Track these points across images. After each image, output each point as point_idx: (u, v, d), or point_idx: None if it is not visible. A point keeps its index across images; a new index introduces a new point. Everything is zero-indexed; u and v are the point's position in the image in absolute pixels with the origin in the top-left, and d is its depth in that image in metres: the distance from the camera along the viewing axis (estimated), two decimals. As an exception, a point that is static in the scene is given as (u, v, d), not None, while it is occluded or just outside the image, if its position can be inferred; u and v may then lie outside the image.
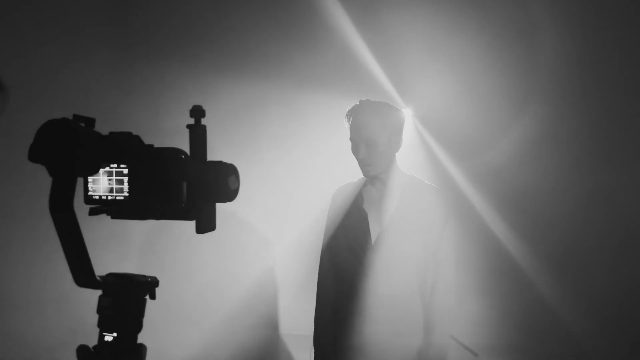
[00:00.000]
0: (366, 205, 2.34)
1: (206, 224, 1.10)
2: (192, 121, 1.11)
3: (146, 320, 1.10)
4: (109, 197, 1.09)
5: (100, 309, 1.02)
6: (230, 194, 1.08)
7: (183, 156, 1.07)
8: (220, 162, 1.08)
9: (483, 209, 2.78)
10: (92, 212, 1.07)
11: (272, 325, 2.96)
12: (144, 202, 1.09)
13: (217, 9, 2.90)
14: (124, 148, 1.01)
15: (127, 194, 1.08)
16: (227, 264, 2.87)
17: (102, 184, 1.10)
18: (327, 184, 2.48)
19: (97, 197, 1.10)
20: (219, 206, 1.10)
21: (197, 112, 1.10)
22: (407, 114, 2.89)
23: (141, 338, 1.11)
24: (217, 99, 2.87)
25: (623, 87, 2.59)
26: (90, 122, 0.95)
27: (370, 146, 2.24)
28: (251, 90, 2.80)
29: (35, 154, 0.91)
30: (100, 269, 1.11)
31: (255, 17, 2.87)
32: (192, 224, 1.07)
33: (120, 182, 1.09)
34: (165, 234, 2.84)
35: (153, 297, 1.03)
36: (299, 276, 2.90)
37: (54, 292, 2.35)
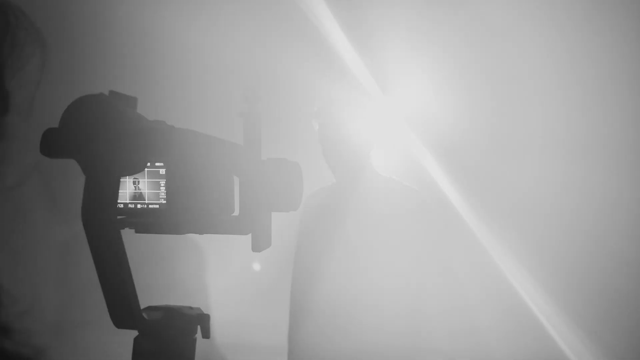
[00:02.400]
0: (341, 211, 2.21)
1: (264, 239, 0.86)
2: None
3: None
4: (139, 206, 0.83)
5: (138, 356, 0.75)
6: (295, 201, 0.85)
7: (238, 148, 0.83)
8: (283, 160, 0.85)
9: (464, 207, 2.71)
10: (119, 225, 0.80)
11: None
12: (184, 212, 0.83)
13: (196, 6, 2.66)
14: (165, 139, 0.76)
15: (163, 202, 0.82)
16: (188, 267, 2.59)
17: (127, 188, 0.83)
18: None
19: (122, 206, 0.83)
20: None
21: (253, 96, 0.86)
22: (391, 111, 2.78)
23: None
24: (187, 97, 2.62)
25: (608, 85, 2.61)
26: (132, 102, 0.69)
27: (341, 145, 2.11)
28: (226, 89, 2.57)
29: (62, 145, 0.64)
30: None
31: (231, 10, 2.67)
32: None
33: (155, 185, 0.83)
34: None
35: (207, 334, 0.78)
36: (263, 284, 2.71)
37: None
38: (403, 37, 2.69)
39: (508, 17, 2.63)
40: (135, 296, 0.70)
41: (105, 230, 0.66)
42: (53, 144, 0.66)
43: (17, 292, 0.41)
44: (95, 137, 0.64)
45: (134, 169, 0.68)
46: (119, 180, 0.67)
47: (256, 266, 2.84)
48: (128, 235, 0.87)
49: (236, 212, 0.87)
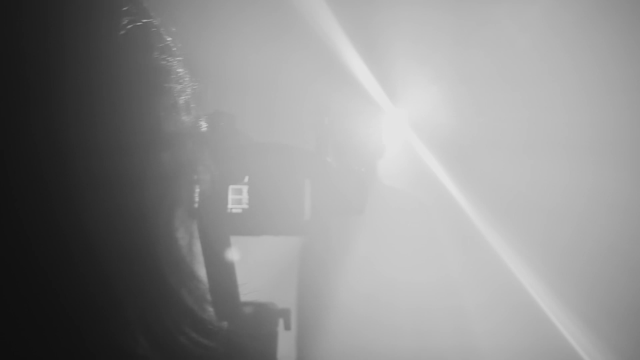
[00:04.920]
0: (347, 222, 2.29)
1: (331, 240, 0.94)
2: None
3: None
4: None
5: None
6: (364, 207, 0.93)
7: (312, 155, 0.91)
8: (351, 168, 0.93)
9: (476, 216, 2.77)
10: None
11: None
12: (264, 215, 0.91)
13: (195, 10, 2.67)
14: (254, 151, 0.84)
15: (246, 206, 0.90)
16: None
17: (211, 194, 0.90)
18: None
19: (208, 210, 0.90)
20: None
21: (324, 109, 0.94)
22: (400, 118, 2.84)
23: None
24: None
25: (615, 85, 2.68)
26: (231, 119, 0.77)
27: (352, 151, 2.21)
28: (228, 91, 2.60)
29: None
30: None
31: (231, 15, 2.68)
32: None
33: (237, 191, 0.90)
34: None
35: (289, 327, 0.86)
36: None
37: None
38: (410, 43, 2.73)
39: (517, 23, 2.69)
40: (239, 294, 0.78)
41: (219, 233, 0.74)
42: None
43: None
44: (215, 149, 0.72)
45: (239, 178, 0.76)
46: (228, 188, 0.74)
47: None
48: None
49: (307, 217, 0.95)
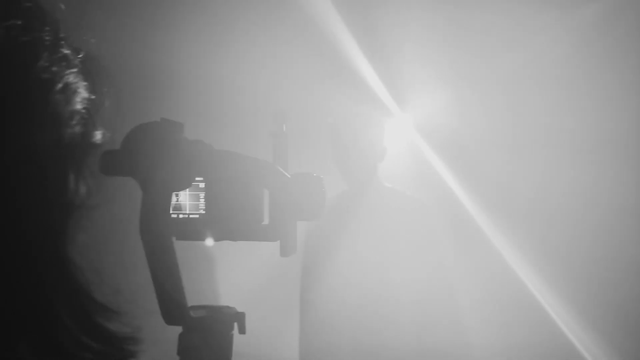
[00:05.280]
0: (346, 221, 2.30)
1: (291, 245, 0.97)
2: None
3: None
4: (180, 216, 0.93)
5: (184, 350, 0.86)
6: (319, 211, 0.95)
7: (269, 164, 0.94)
8: (308, 174, 0.95)
9: (481, 218, 2.77)
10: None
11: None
12: (221, 221, 0.94)
13: (204, 10, 2.74)
14: (206, 157, 0.86)
15: (202, 212, 0.93)
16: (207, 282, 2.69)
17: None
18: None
19: (165, 216, 0.93)
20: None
21: (282, 117, 0.97)
22: (405, 122, 2.86)
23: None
24: (194, 102, 2.71)
25: (619, 87, 2.66)
26: (180, 127, 0.80)
27: (353, 153, 2.22)
28: (234, 94, 2.66)
29: (123, 165, 0.75)
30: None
31: (241, 19, 2.74)
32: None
33: (195, 197, 0.93)
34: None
35: (243, 330, 0.89)
36: (265, 291, 2.79)
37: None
38: (417, 45, 2.75)
39: (523, 26, 2.69)
40: (185, 297, 0.81)
41: (160, 239, 0.77)
42: (113, 164, 0.76)
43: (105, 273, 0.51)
44: (152, 159, 0.75)
45: (183, 185, 0.79)
46: (171, 195, 0.77)
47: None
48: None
49: (266, 222, 0.97)
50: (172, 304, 0.80)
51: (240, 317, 0.92)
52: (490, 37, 2.71)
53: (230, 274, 2.73)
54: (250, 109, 2.76)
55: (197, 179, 0.93)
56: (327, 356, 2.27)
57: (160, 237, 0.76)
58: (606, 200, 2.56)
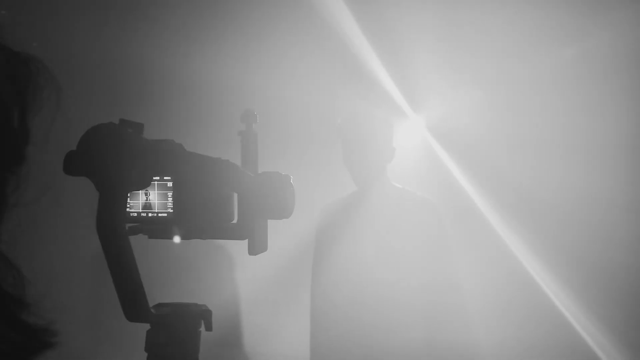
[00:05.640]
0: (358, 221, 2.30)
1: (259, 244, 0.98)
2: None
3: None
4: (150, 214, 0.95)
5: (150, 346, 0.87)
6: (288, 210, 0.96)
7: (238, 166, 0.95)
8: (276, 173, 0.96)
9: (494, 218, 2.75)
10: (131, 232, 0.93)
11: (235, 343, 2.83)
12: (189, 220, 0.95)
13: (216, 9, 2.78)
14: (169, 158, 0.88)
15: (170, 211, 0.95)
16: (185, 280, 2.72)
17: (139, 199, 0.95)
18: (315, 194, 2.40)
19: (135, 214, 0.96)
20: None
21: (249, 117, 0.98)
22: (417, 124, 2.85)
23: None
24: (213, 103, 2.75)
25: (633, 85, 2.61)
26: (139, 127, 0.81)
27: (363, 152, 2.22)
28: (245, 95, 2.68)
29: (79, 166, 0.77)
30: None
31: (254, 19, 2.77)
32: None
33: (163, 196, 0.95)
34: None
35: (210, 327, 0.90)
36: (277, 291, 2.81)
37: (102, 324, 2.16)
38: (429, 47, 2.74)
39: (538, 28, 2.66)
40: (144, 293, 0.82)
41: (117, 238, 0.79)
42: (72, 164, 0.79)
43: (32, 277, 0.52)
44: (105, 159, 0.77)
45: (140, 185, 0.80)
46: (127, 195, 0.79)
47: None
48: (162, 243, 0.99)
49: (235, 221, 0.99)
50: (131, 300, 0.82)
51: (206, 315, 0.93)
52: (505, 39, 2.68)
53: (237, 274, 2.76)
54: (264, 110, 2.78)
55: (165, 178, 0.95)
56: (337, 354, 2.28)
57: (116, 235, 0.78)
58: (622, 201, 2.51)
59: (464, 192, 2.78)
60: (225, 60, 2.61)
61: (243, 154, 0.97)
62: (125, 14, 2.67)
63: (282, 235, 2.73)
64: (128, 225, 0.96)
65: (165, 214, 0.95)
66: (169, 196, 0.95)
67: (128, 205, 0.96)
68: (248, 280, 2.78)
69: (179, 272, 2.68)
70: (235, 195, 0.97)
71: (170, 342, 0.89)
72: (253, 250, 0.96)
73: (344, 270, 2.28)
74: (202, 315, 0.92)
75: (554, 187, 2.64)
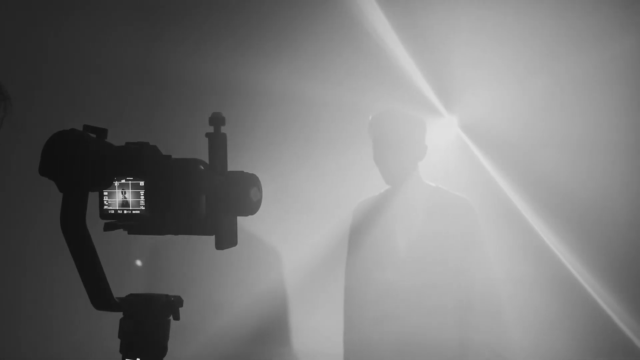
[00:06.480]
0: (391, 220, 2.31)
1: (227, 239, 1.04)
2: (211, 129, 1.04)
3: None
4: (125, 212, 1.03)
5: (121, 334, 0.96)
6: (252, 207, 1.01)
7: (201, 167, 1.01)
8: (241, 173, 1.02)
9: (532, 218, 2.70)
10: (107, 228, 1.02)
11: (284, 341, 2.90)
12: (161, 217, 1.03)
13: (245, 7, 2.87)
14: (138, 160, 0.95)
15: (143, 208, 1.02)
16: (232, 277, 2.82)
17: (117, 197, 1.04)
18: (347, 193, 2.44)
19: (113, 212, 1.04)
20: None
21: (217, 120, 1.04)
22: (451, 123, 2.83)
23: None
24: (239, 102, 2.84)
25: None
26: (102, 132, 0.89)
27: (393, 150, 2.22)
28: (280, 93, 2.76)
29: (44, 169, 0.86)
30: (120, 288, 1.05)
31: (288, 19, 2.84)
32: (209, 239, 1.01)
33: (137, 195, 1.03)
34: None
35: (177, 317, 0.97)
36: (311, 290, 2.86)
37: (74, 314, 2.32)
38: (462, 46, 2.72)
39: (583, 22, 2.59)
40: (107, 284, 0.90)
41: (79, 234, 0.87)
42: (41, 166, 0.88)
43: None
44: (65, 163, 0.85)
45: (100, 186, 0.88)
46: (87, 195, 0.87)
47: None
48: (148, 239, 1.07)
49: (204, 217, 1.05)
50: (95, 291, 0.90)
51: (175, 305, 1.00)
52: (543, 35, 2.62)
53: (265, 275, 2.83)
54: (297, 110, 2.85)
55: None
56: (369, 351, 2.31)
57: (78, 232, 0.86)
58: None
59: (499, 191, 2.74)
60: (253, 59, 2.68)
61: (210, 154, 1.03)
62: (101, 14, 2.77)
63: (317, 234, 2.81)
64: (107, 221, 1.05)
65: (139, 211, 1.03)
66: (142, 194, 1.03)
67: (106, 203, 1.05)
68: (284, 279, 2.85)
69: (219, 269, 2.79)
70: (204, 197, 1.03)
71: (139, 330, 0.97)
72: (220, 245, 1.03)
73: (376, 269, 2.31)
74: (170, 305, 1.00)
75: (595, 187, 2.56)
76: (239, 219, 1.05)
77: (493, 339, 2.22)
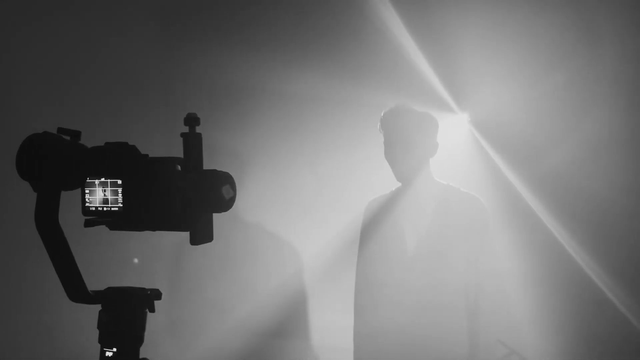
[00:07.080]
0: (401, 218, 2.30)
1: (201, 235, 1.07)
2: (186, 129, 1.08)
3: (153, 334, 1.08)
4: (105, 209, 1.08)
5: (100, 325, 1.01)
6: (224, 204, 1.05)
7: (177, 166, 1.05)
8: (214, 171, 1.05)
9: (545, 216, 2.66)
10: (88, 224, 1.06)
11: (302, 336, 2.93)
12: (138, 213, 1.07)
13: (255, 6, 2.90)
14: (114, 160, 1.00)
15: (121, 205, 1.07)
16: (248, 272, 2.86)
17: (97, 195, 1.09)
18: (358, 190, 2.44)
19: (94, 209, 1.09)
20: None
21: (191, 120, 1.08)
22: (463, 120, 2.81)
23: (146, 353, 1.08)
24: (252, 96, 2.87)
25: None
26: (76, 134, 0.94)
27: (404, 147, 2.21)
28: (292, 90, 2.79)
29: (19, 170, 0.91)
30: (108, 282, 1.10)
31: (300, 17, 2.87)
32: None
33: (115, 193, 1.07)
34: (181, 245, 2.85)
35: (152, 310, 1.01)
36: (327, 285, 2.88)
37: (53, 308, 2.40)
38: (474, 43, 2.70)
39: (596, 23, 2.55)
40: (80, 277, 0.95)
41: (53, 231, 0.92)
42: (17, 169, 0.93)
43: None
44: (38, 164, 0.90)
45: (72, 185, 0.93)
46: (59, 194, 0.92)
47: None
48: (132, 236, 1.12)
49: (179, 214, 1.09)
50: (70, 284, 0.95)
51: (150, 298, 1.04)
52: (556, 32, 2.57)
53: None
54: (311, 107, 2.87)
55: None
56: (379, 349, 2.32)
57: (51, 229, 0.91)
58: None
59: (511, 188, 2.71)
60: (263, 60, 2.71)
61: (185, 153, 1.07)
62: (76, 14, 2.81)
63: (329, 231, 2.83)
64: (88, 217, 1.10)
65: (117, 208, 1.08)
66: (119, 193, 1.07)
67: (88, 200, 1.10)
68: (294, 275, 2.88)
69: (232, 266, 2.84)
70: (179, 196, 1.07)
71: (115, 321, 1.02)
72: (194, 241, 1.06)
73: (386, 267, 2.31)
74: (146, 298, 1.04)
75: (607, 185, 2.52)
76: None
77: (504, 336, 2.20)
